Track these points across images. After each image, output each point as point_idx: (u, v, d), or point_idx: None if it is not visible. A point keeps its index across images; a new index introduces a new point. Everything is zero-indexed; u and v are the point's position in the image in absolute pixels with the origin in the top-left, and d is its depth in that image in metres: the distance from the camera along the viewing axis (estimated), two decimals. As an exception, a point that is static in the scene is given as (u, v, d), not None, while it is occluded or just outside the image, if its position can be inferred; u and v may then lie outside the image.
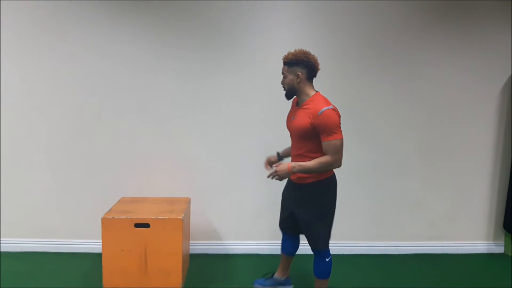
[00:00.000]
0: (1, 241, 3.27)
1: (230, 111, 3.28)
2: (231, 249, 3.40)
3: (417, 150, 3.43)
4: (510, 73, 3.42)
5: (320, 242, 2.36)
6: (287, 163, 2.29)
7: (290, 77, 2.30)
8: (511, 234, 3.52)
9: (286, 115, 2.54)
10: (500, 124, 3.47)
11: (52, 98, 3.18)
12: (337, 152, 2.20)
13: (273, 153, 2.73)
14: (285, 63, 2.33)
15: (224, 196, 3.35)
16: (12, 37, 3.10)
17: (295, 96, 2.41)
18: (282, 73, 2.35)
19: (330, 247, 3.45)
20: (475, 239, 3.57)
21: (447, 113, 3.41)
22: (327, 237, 2.38)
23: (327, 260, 2.39)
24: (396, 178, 3.43)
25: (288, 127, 2.44)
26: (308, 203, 2.34)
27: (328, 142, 2.19)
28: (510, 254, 3.53)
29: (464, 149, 3.46)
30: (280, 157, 2.67)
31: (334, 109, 2.21)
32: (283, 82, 2.36)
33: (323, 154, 2.25)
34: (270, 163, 2.67)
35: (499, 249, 3.60)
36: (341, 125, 2.25)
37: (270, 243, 3.41)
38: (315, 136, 2.23)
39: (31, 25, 3.10)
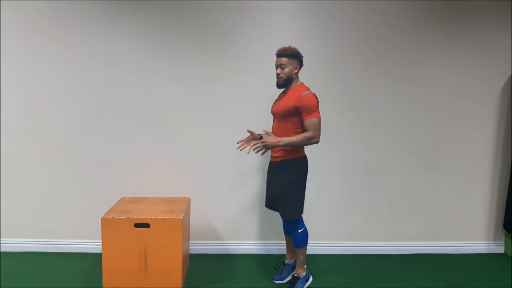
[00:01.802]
0: (1, 241, 3.27)
1: (230, 112, 3.28)
2: (231, 249, 3.40)
3: (417, 150, 3.43)
4: (510, 74, 3.42)
5: (286, 212, 2.65)
6: (274, 136, 2.53)
7: (290, 67, 2.58)
8: (511, 234, 3.52)
9: None
10: (500, 124, 3.48)
11: (52, 98, 3.19)
12: (316, 129, 2.49)
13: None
14: (285, 55, 2.57)
15: (224, 196, 3.35)
16: (12, 38, 3.10)
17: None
18: (281, 64, 2.58)
19: (330, 247, 3.47)
20: (475, 239, 3.57)
21: (447, 113, 3.41)
22: (294, 209, 2.63)
23: (299, 231, 2.68)
24: (396, 178, 3.44)
25: (273, 110, 2.72)
26: (278, 179, 2.65)
27: (309, 120, 2.49)
28: (510, 254, 3.53)
29: (464, 149, 3.46)
30: (260, 137, 2.77)
31: (314, 94, 2.54)
32: (280, 72, 2.59)
33: (300, 133, 2.55)
34: (252, 137, 2.75)
35: (499, 249, 3.60)
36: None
37: (270, 243, 3.41)
38: (294, 116, 2.53)
39: (31, 26, 3.10)
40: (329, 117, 3.27)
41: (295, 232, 2.69)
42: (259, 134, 2.72)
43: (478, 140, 3.47)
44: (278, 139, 2.50)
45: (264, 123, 3.26)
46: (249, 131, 2.67)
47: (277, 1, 3.20)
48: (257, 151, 2.56)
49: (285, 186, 2.60)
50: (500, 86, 3.44)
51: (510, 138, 3.49)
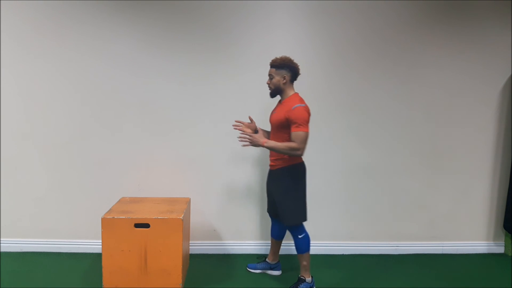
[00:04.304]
0: (1, 241, 3.27)
1: (230, 111, 3.28)
2: (231, 249, 3.40)
3: (417, 150, 3.43)
4: (510, 74, 3.42)
5: (288, 219, 2.67)
6: (264, 137, 2.61)
7: (277, 78, 2.63)
8: (511, 234, 3.52)
9: None
10: (500, 124, 3.48)
11: (52, 98, 3.19)
12: (302, 142, 2.50)
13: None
14: (272, 66, 2.64)
15: (224, 196, 3.35)
16: (12, 38, 3.10)
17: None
18: (269, 74, 2.65)
19: (331, 247, 3.46)
20: (475, 239, 3.57)
21: (447, 113, 3.41)
22: (295, 215, 2.66)
23: (299, 237, 2.68)
24: (396, 178, 3.44)
25: (269, 120, 2.76)
26: (277, 186, 2.70)
27: (295, 133, 2.50)
28: (510, 254, 3.53)
29: (464, 149, 3.46)
30: (256, 132, 2.82)
31: (306, 107, 2.54)
32: (269, 83, 2.67)
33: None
34: (249, 125, 2.81)
35: (499, 249, 3.60)
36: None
37: (270, 243, 3.40)
38: (287, 128, 2.56)
39: (31, 26, 3.10)
40: (329, 116, 3.27)
41: (296, 238, 2.69)
42: (257, 128, 2.79)
43: (478, 140, 3.47)
44: (266, 140, 2.57)
45: (263, 123, 3.26)
46: (250, 118, 2.80)
47: (277, 1, 3.20)
48: (242, 140, 2.60)
49: (284, 193, 2.65)
50: (500, 86, 3.44)
51: (510, 138, 3.49)
